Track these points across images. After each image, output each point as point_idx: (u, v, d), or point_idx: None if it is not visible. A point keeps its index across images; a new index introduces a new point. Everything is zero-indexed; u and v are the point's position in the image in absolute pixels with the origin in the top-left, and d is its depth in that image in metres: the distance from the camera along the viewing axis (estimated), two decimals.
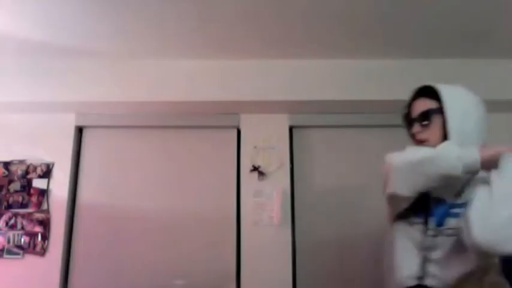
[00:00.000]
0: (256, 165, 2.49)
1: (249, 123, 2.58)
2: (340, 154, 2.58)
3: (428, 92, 1.33)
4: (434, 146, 1.24)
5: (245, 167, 2.51)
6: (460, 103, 1.28)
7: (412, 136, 1.36)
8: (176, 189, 2.53)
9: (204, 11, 1.98)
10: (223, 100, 2.43)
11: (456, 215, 1.23)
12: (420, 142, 1.32)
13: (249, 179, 2.48)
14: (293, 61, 2.45)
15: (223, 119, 2.59)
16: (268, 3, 1.92)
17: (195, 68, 2.46)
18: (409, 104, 1.39)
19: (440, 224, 1.25)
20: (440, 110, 1.28)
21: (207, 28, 2.14)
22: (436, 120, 1.29)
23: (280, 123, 2.57)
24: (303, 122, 2.59)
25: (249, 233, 2.42)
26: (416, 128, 1.33)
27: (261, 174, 2.47)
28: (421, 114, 1.32)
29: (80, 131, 2.64)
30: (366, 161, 2.48)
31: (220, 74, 2.45)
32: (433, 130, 1.29)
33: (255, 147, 2.53)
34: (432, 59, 2.42)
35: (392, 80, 2.41)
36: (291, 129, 2.59)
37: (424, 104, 1.33)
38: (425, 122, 1.31)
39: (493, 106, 2.42)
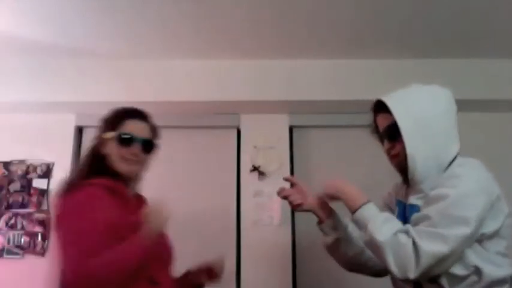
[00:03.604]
0: (256, 165, 2.49)
1: (249, 123, 2.58)
2: (340, 154, 2.58)
3: (383, 105, 1.26)
4: (404, 160, 1.21)
5: (245, 167, 2.51)
6: (409, 111, 1.21)
7: (386, 152, 1.32)
8: (176, 189, 2.53)
9: (204, 11, 1.99)
10: (223, 100, 2.43)
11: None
12: (393, 157, 1.29)
13: (249, 179, 2.48)
14: (293, 61, 2.45)
15: (223, 119, 2.59)
16: (268, 3, 1.92)
17: (195, 68, 2.46)
18: (375, 119, 1.34)
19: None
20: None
21: (208, 28, 2.14)
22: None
23: (280, 123, 2.57)
24: (303, 122, 2.59)
25: (249, 232, 2.42)
26: (386, 144, 1.30)
27: (261, 174, 2.47)
28: (384, 130, 1.29)
29: (80, 131, 2.64)
30: (366, 161, 2.48)
31: (221, 74, 2.45)
32: (402, 144, 1.22)
33: (255, 147, 2.53)
34: (432, 59, 2.42)
35: (392, 80, 2.37)
36: (291, 129, 2.59)
37: (384, 120, 1.28)
38: (391, 138, 1.26)
39: (493, 106, 2.47)
